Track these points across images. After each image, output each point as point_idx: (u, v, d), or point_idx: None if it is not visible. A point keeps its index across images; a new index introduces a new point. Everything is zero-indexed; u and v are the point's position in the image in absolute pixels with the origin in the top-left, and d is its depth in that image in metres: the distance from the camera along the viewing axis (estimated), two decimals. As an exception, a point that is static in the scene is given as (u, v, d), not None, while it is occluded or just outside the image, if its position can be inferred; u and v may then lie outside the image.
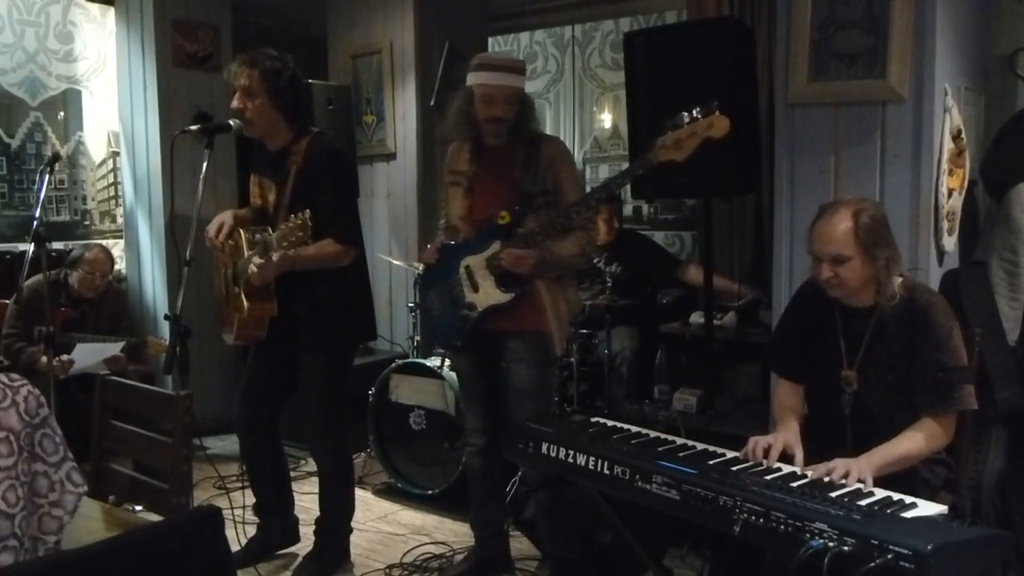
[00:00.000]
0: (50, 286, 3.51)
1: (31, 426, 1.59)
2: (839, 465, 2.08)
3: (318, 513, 3.22)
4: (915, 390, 2.27)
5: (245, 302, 2.91)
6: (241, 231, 2.99)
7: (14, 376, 1.63)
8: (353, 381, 3.23)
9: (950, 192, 2.99)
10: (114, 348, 3.93)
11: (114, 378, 2.39)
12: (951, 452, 2.48)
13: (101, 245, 4.33)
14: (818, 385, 2.46)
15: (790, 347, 2.54)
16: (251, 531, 3.29)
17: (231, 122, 2.96)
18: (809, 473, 2.09)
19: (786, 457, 2.21)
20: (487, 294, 2.89)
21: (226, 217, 3.08)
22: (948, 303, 2.35)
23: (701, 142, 2.53)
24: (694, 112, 2.54)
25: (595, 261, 4.32)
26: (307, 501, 3.62)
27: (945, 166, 2.93)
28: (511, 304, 2.86)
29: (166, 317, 2.73)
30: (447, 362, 3.86)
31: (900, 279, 2.34)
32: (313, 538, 3.23)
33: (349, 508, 3.24)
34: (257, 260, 2.84)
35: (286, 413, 3.28)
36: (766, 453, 2.19)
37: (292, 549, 3.34)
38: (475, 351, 3.02)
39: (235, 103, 2.92)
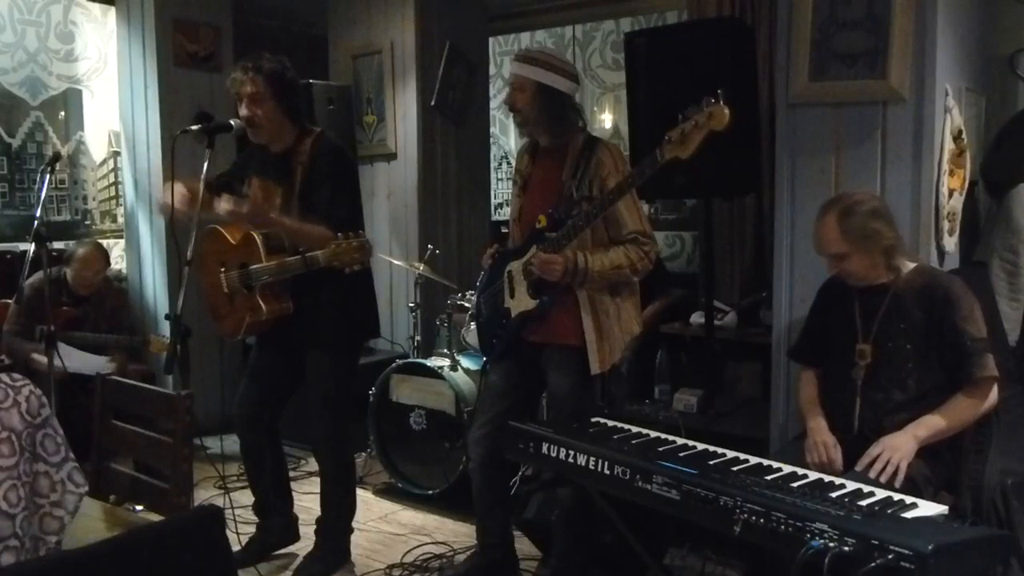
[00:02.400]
0: (51, 285, 3.51)
1: (33, 426, 1.59)
2: (884, 452, 2.23)
3: (319, 513, 3.22)
4: (946, 364, 2.36)
5: (262, 304, 2.90)
6: (255, 235, 2.93)
7: (16, 376, 1.63)
8: (355, 381, 3.23)
9: (951, 192, 2.99)
10: (102, 363, 3.89)
11: (115, 378, 2.39)
12: (952, 450, 2.49)
13: (95, 242, 4.29)
14: (833, 361, 2.57)
15: (814, 340, 2.66)
16: (251, 530, 3.29)
17: (232, 122, 2.96)
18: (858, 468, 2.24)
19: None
20: (519, 301, 2.84)
21: (178, 187, 2.84)
22: (966, 283, 2.46)
23: (704, 136, 2.42)
24: (701, 104, 2.43)
25: None
26: (307, 501, 3.62)
27: (946, 166, 2.93)
28: (540, 312, 2.78)
29: (167, 317, 2.73)
30: (449, 363, 3.87)
31: (914, 265, 2.46)
32: (314, 538, 3.23)
33: (350, 508, 3.25)
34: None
35: (286, 412, 3.28)
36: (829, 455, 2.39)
37: (292, 548, 3.33)
38: (516, 363, 2.94)
39: (243, 111, 2.91)
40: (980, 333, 2.35)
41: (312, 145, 2.97)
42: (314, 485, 3.31)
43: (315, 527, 3.23)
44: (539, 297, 2.78)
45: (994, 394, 2.36)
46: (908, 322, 2.40)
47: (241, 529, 3.23)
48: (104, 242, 5.08)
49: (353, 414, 3.22)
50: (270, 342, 3.08)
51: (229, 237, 3.03)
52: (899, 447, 2.25)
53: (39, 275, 3.63)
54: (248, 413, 3.19)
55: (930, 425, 2.30)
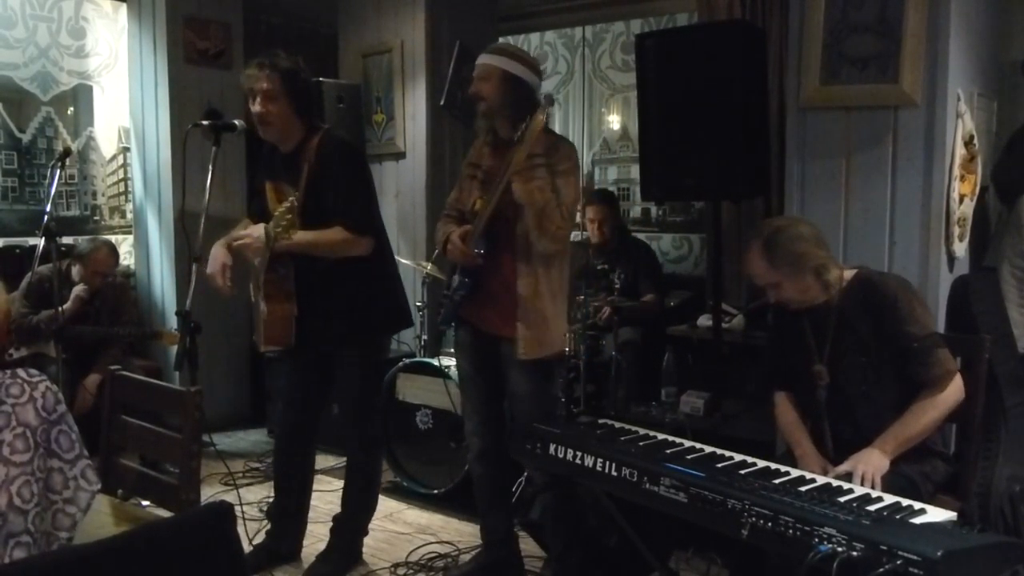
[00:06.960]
0: (58, 277, 3.55)
1: (48, 422, 1.60)
2: (858, 466, 2.19)
3: (330, 511, 3.20)
4: (901, 368, 2.33)
5: (263, 305, 2.88)
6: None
7: (32, 372, 1.63)
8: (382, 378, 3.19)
9: (961, 198, 2.99)
10: None
11: (125, 373, 2.40)
12: (958, 457, 2.48)
13: (108, 243, 4.25)
14: (798, 386, 2.56)
15: (779, 363, 2.64)
16: (259, 526, 3.29)
17: (236, 122, 2.93)
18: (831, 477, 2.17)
19: None
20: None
21: (221, 255, 2.91)
22: (906, 281, 2.46)
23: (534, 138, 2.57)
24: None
25: (598, 265, 4.32)
26: (316, 499, 3.62)
27: (957, 172, 2.93)
28: (466, 293, 2.87)
29: (178, 313, 2.73)
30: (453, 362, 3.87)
31: (854, 272, 2.44)
32: (326, 535, 3.21)
33: (372, 509, 3.25)
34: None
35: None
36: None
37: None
38: (474, 349, 2.98)
39: (256, 108, 2.89)
40: (925, 330, 2.31)
41: (319, 143, 2.95)
42: (324, 483, 3.28)
43: (332, 525, 3.21)
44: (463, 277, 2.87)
45: (956, 386, 2.31)
46: (858, 336, 2.38)
47: (249, 526, 3.23)
48: (112, 238, 5.11)
49: (380, 412, 3.19)
50: (299, 346, 3.00)
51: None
52: (870, 462, 2.22)
53: (47, 265, 3.68)
54: (292, 420, 3.19)
55: (897, 435, 2.27)
